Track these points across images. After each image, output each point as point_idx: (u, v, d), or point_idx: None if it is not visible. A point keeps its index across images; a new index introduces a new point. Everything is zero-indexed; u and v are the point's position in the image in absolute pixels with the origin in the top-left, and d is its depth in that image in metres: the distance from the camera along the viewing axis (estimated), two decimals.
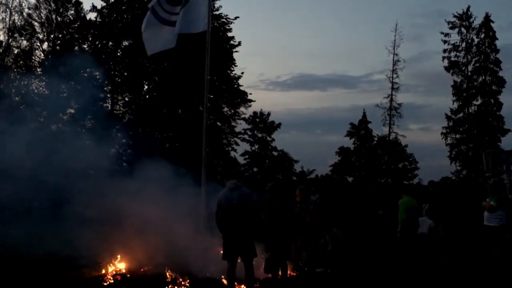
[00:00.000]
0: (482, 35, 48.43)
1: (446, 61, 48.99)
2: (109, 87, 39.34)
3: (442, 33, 49.21)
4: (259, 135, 52.49)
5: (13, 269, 11.36)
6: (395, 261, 13.62)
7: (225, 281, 10.37)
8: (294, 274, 12.20)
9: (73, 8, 39.90)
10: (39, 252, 12.95)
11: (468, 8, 48.86)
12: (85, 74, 21.43)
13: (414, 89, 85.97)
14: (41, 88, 32.71)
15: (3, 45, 38.54)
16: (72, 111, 25.92)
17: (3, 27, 39.32)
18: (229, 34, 40.19)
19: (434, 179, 19.14)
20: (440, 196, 16.19)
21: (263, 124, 52.53)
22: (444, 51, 49.08)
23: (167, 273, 10.96)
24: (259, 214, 10.44)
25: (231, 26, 40.33)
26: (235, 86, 40.65)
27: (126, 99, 39.98)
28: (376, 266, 13.49)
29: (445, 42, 49.11)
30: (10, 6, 39.97)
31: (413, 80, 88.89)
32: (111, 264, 11.62)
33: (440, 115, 51.44)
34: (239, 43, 40.34)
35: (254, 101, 42.35)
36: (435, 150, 78.33)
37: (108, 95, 39.52)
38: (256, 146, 52.16)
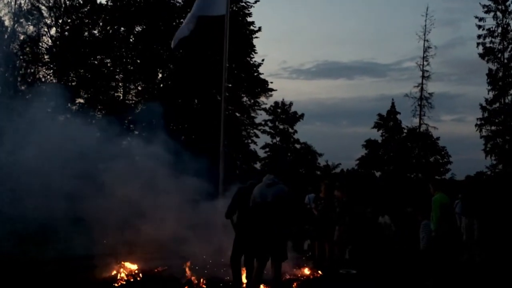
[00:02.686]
0: None
1: (480, 47, 48.38)
2: (121, 75, 39.57)
3: (476, 17, 48.61)
4: (281, 126, 52.53)
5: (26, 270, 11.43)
6: (429, 263, 13.55)
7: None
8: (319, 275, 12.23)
9: None
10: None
11: None
12: None
13: (446, 78, 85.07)
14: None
15: (9, 30, 38.64)
16: None
17: (9, 12, 39.39)
18: (249, 19, 40.23)
19: (468, 174, 18.97)
20: (474, 192, 16.02)
21: (285, 114, 52.52)
22: (479, 36, 48.46)
23: (185, 274, 10.99)
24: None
25: (251, 10, 40.34)
26: (255, 74, 40.58)
27: (139, 88, 40.19)
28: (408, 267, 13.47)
29: (479, 27, 48.45)
30: None
31: (446, 68, 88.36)
32: (123, 264, 11.65)
33: (474, 105, 51.32)
34: (260, 29, 40.47)
35: (276, 90, 42.65)
36: (469, 143, 77.82)
37: (120, 84, 39.75)
38: (278, 138, 52.20)
